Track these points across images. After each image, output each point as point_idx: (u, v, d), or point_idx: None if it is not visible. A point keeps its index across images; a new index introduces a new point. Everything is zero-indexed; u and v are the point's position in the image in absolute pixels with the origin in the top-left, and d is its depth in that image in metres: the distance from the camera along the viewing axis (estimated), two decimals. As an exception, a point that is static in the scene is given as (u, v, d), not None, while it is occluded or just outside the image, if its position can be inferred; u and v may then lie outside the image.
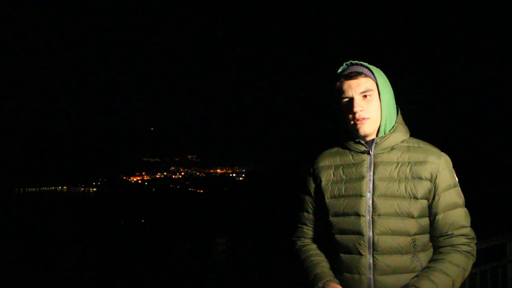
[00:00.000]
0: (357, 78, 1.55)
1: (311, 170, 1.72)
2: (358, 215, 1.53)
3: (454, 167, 1.61)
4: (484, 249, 2.66)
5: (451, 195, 1.54)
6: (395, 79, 1.68)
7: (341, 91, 1.57)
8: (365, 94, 1.54)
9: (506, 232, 3.01)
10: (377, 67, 1.64)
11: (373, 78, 1.56)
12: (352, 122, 1.56)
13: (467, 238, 1.53)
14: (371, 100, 1.55)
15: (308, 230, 1.73)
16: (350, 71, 1.57)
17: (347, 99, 1.56)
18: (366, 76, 1.55)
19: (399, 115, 1.62)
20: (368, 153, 1.58)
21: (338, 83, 1.58)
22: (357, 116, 1.53)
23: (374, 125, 1.56)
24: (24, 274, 8.70)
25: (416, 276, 1.47)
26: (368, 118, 1.54)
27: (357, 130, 1.56)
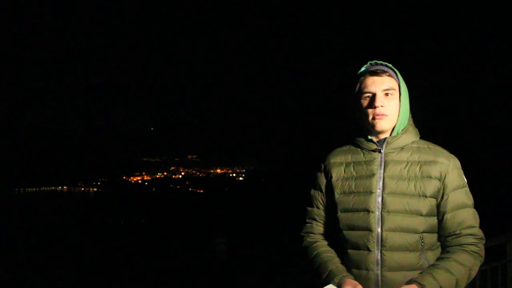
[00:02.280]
0: (382, 76, 1.61)
1: (322, 166, 1.76)
2: (367, 211, 1.57)
3: (463, 168, 1.64)
4: (484, 249, 2.66)
5: (459, 195, 1.57)
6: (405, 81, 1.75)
7: (364, 87, 1.63)
8: (387, 91, 1.60)
9: (506, 232, 3.00)
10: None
11: (396, 79, 1.63)
12: (371, 117, 1.61)
13: (475, 238, 1.56)
14: (392, 98, 1.61)
15: (317, 226, 1.77)
16: (376, 68, 1.63)
17: (369, 94, 1.61)
18: (390, 75, 1.62)
19: (410, 118, 1.68)
20: (379, 152, 1.63)
21: (362, 78, 1.64)
22: (377, 111, 1.58)
23: (391, 123, 1.62)
24: (24, 274, 8.69)
25: (420, 272, 1.50)
26: (387, 115, 1.59)
27: (374, 126, 1.61)
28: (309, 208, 1.79)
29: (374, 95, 1.60)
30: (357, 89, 1.66)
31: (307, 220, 1.79)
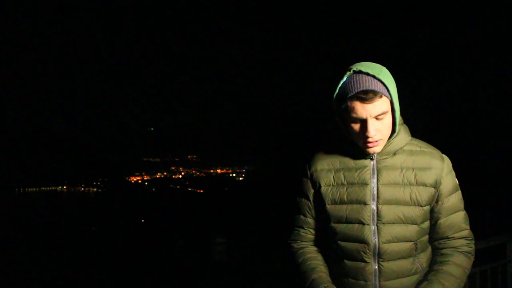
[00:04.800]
0: (373, 102, 1.38)
1: (308, 173, 1.62)
2: (362, 223, 1.50)
3: (454, 168, 1.61)
4: (484, 249, 2.66)
5: (453, 200, 1.55)
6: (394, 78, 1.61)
7: (352, 111, 1.40)
8: (379, 116, 1.41)
9: (506, 232, 3.00)
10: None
11: (388, 96, 1.41)
12: (361, 141, 1.46)
13: (467, 240, 1.56)
14: (385, 118, 1.42)
15: (305, 233, 1.67)
16: (365, 89, 1.37)
17: (359, 120, 1.41)
18: (381, 96, 1.38)
19: (400, 117, 1.53)
20: (371, 158, 1.52)
21: (349, 102, 1.39)
22: (369, 139, 1.43)
23: (383, 143, 1.48)
24: (24, 274, 8.70)
25: (426, 280, 1.48)
26: (381, 139, 1.45)
27: (365, 150, 1.48)
28: (295, 216, 1.67)
29: (365, 121, 1.40)
30: (343, 107, 1.42)
31: (295, 228, 1.69)
